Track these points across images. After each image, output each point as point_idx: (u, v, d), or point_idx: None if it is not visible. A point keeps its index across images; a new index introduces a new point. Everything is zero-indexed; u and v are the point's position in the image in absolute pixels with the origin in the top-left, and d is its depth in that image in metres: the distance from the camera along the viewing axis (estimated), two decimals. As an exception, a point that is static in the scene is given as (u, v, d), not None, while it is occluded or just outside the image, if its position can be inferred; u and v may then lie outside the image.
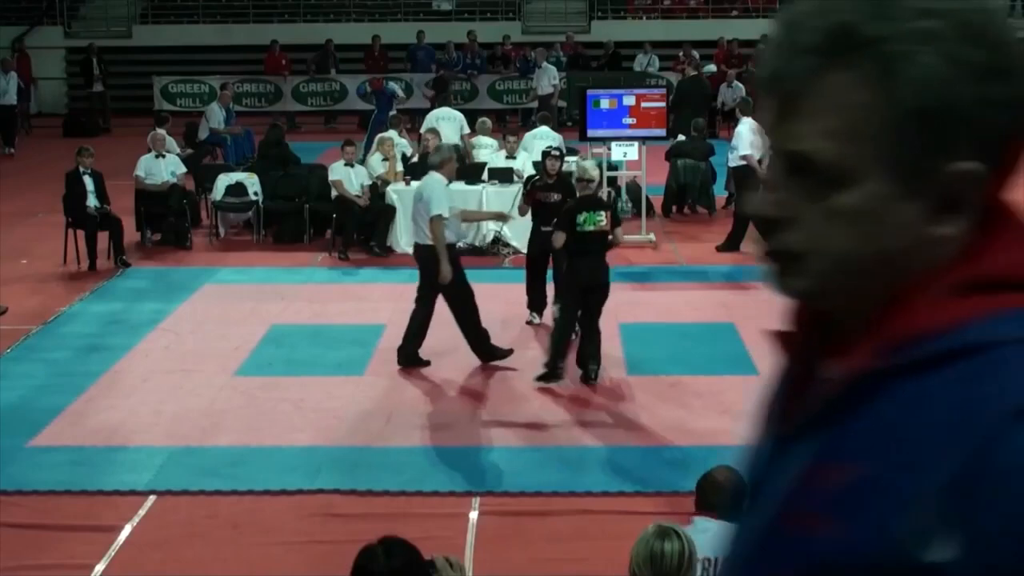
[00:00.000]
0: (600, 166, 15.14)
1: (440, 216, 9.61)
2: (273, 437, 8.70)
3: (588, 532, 7.11)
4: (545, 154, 11.29)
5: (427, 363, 9.96)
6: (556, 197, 10.64)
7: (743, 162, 14.02)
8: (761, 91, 1.19)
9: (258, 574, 6.74)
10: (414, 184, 14.56)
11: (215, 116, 20.04)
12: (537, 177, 11.42)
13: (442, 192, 9.82)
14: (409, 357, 9.94)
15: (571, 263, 9.56)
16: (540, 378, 9.46)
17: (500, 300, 11.28)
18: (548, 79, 23.72)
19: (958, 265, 1.13)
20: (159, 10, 29.10)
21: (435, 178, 9.99)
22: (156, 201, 14.71)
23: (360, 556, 3.77)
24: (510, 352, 9.97)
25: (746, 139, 14.22)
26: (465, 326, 9.88)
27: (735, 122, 15.13)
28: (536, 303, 11.16)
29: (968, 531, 1.03)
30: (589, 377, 9.52)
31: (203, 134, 19.77)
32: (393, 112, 19.04)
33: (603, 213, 9.57)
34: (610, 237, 9.66)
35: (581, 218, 9.49)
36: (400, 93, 21.82)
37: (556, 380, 9.45)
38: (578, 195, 9.92)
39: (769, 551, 1.18)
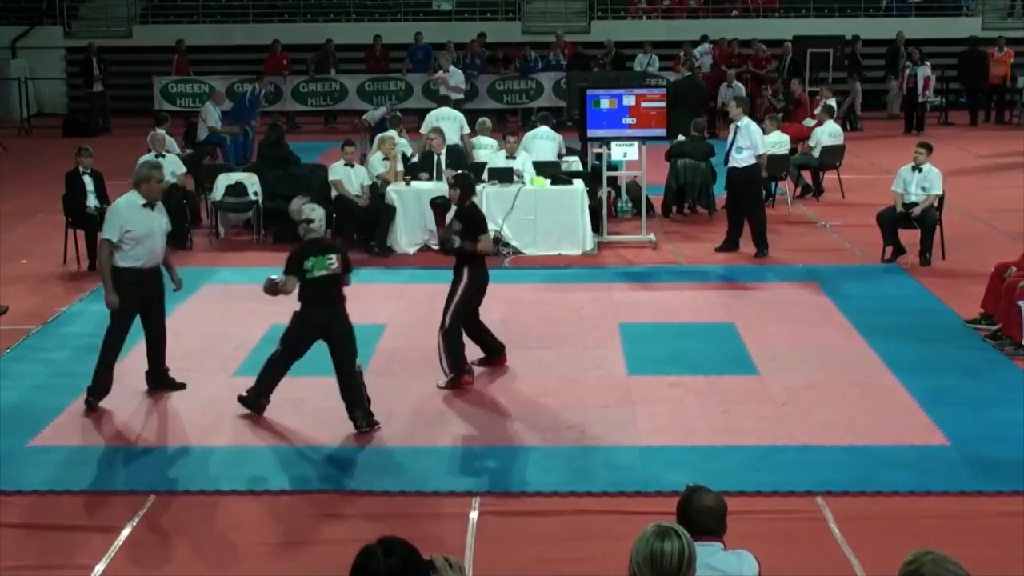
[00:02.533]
0: (601, 165, 15.20)
1: (108, 241, 8.90)
2: (273, 437, 8.70)
3: (588, 532, 7.11)
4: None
5: (182, 385, 9.53)
6: (456, 225, 9.66)
7: (754, 161, 13.94)
8: None
9: (258, 574, 6.74)
10: (414, 184, 14.62)
11: (212, 115, 20.03)
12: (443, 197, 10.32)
13: (119, 216, 8.96)
14: (158, 378, 9.52)
15: (304, 311, 8.82)
16: (241, 399, 9.01)
17: (500, 300, 11.27)
18: (455, 83, 22.61)
19: None
20: (159, 10, 29.12)
21: (124, 199, 9.19)
22: (156, 201, 14.69)
23: (359, 556, 3.76)
24: (95, 404, 9.13)
25: (759, 136, 14.19)
26: (101, 356, 9.21)
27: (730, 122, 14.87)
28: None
29: None
30: (360, 427, 8.71)
31: (202, 134, 19.77)
32: (393, 113, 19.02)
33: (333, 256, 8.76)
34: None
35: (309, 263, 8.66)
36: (384, 110, 21.61)
37: (256, 411, 8.93)
38: (303, 238, 8.90)
39: None
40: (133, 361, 10.40)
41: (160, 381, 9.59)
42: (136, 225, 9.01)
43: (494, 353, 10.11)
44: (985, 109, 26.20)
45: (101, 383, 9.23)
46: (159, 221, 9.24)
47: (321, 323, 8.79)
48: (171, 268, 9.59)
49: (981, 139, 23.61)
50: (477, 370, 9.94)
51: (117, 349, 9.30)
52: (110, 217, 9.10)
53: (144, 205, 9.12)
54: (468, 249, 9.63)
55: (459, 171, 10.74)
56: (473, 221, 9.69)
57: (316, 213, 8.93)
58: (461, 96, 22.76)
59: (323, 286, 8.73)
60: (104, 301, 9.18)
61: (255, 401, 9.03)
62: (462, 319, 9.69)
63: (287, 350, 8.94)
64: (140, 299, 9.18)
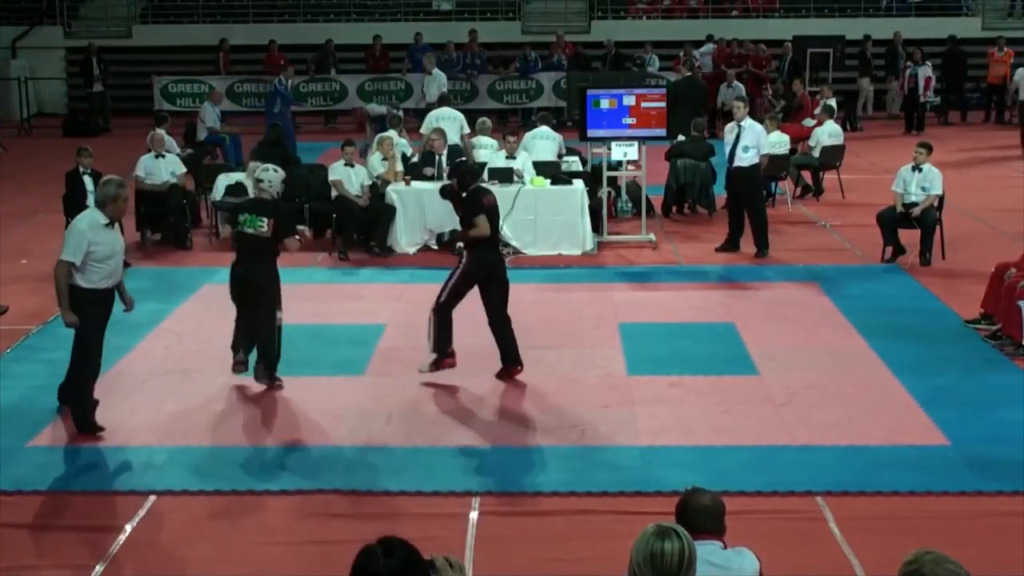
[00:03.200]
0: (602, 165, 15.21)
1: (67, 262, 8.37)
2: (274, 437, 8.70)
3: (588, 532, 7.11)
4: None
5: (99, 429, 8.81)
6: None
7: (757, 160, 13.96)
8: None
9: (258, 574, 6.74)
10: (414, 184, 14.62)
11: (210, 115, 20.00)
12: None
13: (81, 236, 8.42)
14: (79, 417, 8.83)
15: (233, 263, 9.59)
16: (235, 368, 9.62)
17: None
18: (436, 87, 21.93)
19: None
20: (159, 10, 29.12)
21: (87, 218, 8.66)
22: (156, 201, 14.71)
23: (359, 556, 3.76)
24: (100, 431, 8.67)
25: (765, 136, 14.22)
26: (81, 381, 8.77)
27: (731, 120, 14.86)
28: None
29: None
30: (257, 379, 9.53)
31: (201, 135, 19.77)
32: (395, 111, 19.01)
33: (265, 220, 9.32)
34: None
35: (242, 218, 9.45)
36: (382, 110, 21.55)
37: (241, 371, 9.61)
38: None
39: None
40: (133, 361, 10.41)
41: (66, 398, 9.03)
42: (99, 245, 8.53)
43: (510, 362, 9.81)
44: (985, 109, 26.29)
45: (88, 405, 8.77)
46: (119, 240, 8.82)
47: (242, 276, 9.49)
48: (123, 290, 8.98)
49: (981, 139, 23.61)
50: (475, 368, 9.94)
51: (98, 367, 8.82)
52: (71, 237, 8.46)
53: (106, 224, 8.60)
54: (458, 238, 9.92)
55: (457, 160, 10.82)
56: (470, 206, 9.61)
57: (268, 175, 9.73)
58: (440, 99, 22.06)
59: (248, 242, 9.44)
60: (64, 323, 8.57)
61: (237, 362, 9.62)
62: (456, 300, 9.65)
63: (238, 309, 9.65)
64: (104, 314, 8.73)
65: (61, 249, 8.48)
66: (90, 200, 13.64)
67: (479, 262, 9.61)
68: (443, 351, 9.69)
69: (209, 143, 19.55)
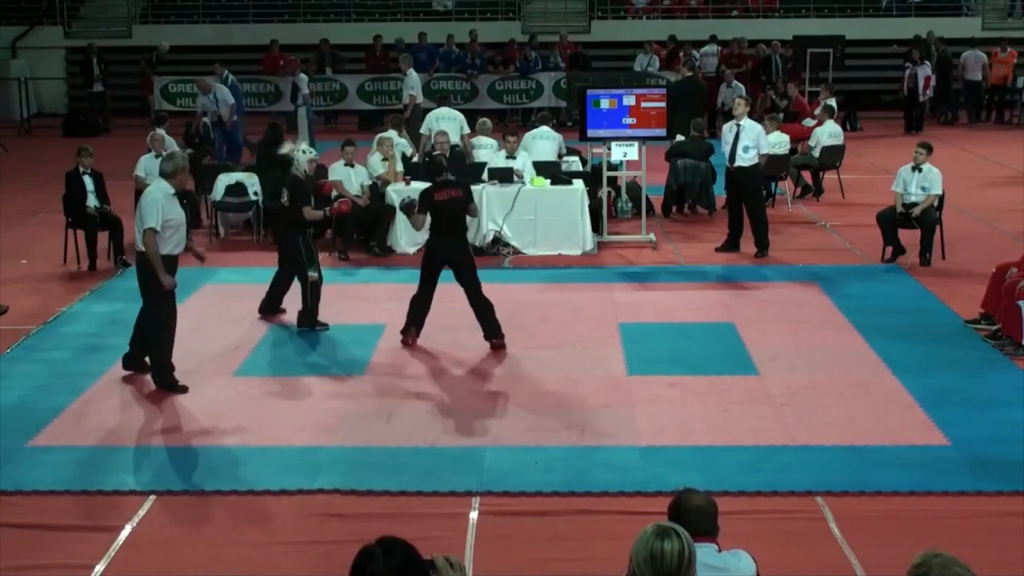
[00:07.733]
0: (602, 165, 15.21)
1: (150, 229, 9.22)
2: (273, 437, 8.70)
3: (588, 532, 7.11)
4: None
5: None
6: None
7: (757, 160, 13.97)
8: None
9: (258, 574, 6.74)
10: (414, 184, 14.61)
11: (209, 104, 19.89)
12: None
13: (155, 205, 9.24)
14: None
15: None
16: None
17: (500, 300, 11.26)
18: (408, 89, 21.38)
19: None
20: (159, 10, 29.12)
21: (159, 190, 9.41)
22: (156, 201, 14.69)
23: (359, 556, 3.75)
24: (184, 390, 9.59)
25: (764, 136, 14.23)
26: (153, 342, 9.72)
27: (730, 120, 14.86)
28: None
29: None
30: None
31: (227, 115, 19.59)
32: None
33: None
34: None
35: None
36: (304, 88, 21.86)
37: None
38: None
39: None
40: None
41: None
42: (172, 214, 9.38)
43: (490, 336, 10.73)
44: (986, 109, 26.30)
45: (169, 369, 9.71)
46: (182, 210, 9.69)
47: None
48: (193, 247, 10.21)
49: (981, 139, 23.61)
50: (475, 368, 9.94)
51: (173, 331, 9.80)
52: (150, 207, 9.28)
53: (174, 195, 9.44)
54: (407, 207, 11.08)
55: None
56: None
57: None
58: (420, 100, 21.36)
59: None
60: (164, 287, 9.44)
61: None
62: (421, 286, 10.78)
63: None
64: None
65: (142, 220, 9.28)
66: (90, 200, 13.71)
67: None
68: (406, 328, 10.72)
69: (209, 143, 19.52)
